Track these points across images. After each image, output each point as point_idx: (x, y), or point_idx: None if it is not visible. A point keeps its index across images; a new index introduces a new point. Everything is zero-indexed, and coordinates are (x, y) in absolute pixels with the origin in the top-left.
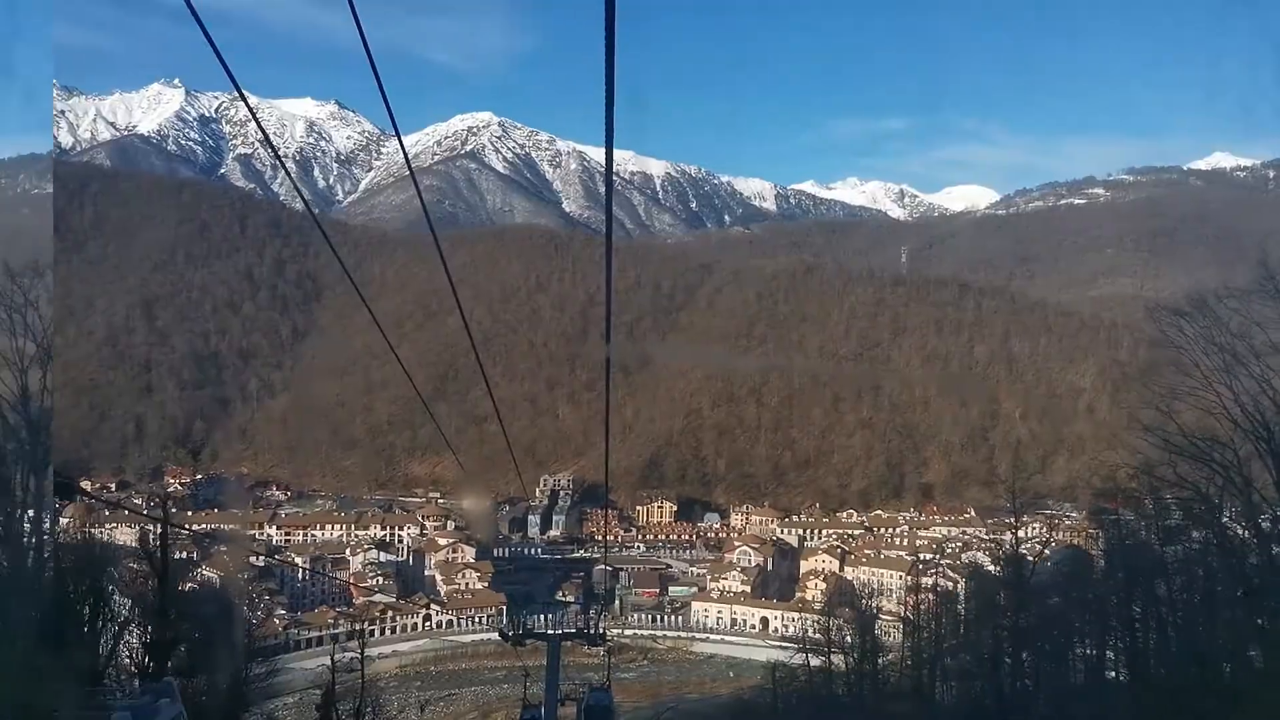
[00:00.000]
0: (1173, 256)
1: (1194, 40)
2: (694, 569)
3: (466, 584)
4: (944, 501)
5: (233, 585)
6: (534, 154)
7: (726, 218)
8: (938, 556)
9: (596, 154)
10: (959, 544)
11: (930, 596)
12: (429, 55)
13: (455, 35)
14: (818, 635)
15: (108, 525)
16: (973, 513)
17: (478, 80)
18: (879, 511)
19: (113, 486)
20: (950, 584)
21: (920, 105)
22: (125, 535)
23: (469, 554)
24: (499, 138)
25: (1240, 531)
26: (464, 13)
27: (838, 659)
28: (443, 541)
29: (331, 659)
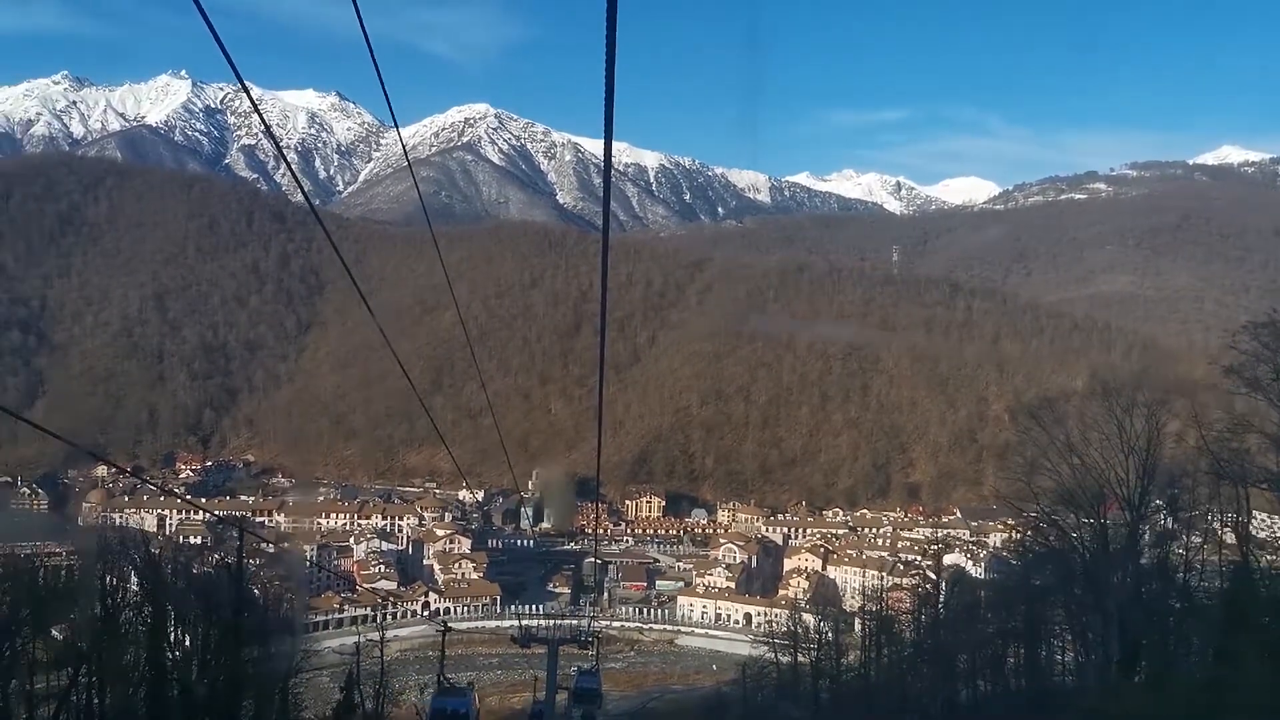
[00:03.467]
0: (1175, 254)
1: (1203, 30)
2: (680, 564)
3: (463, 574)
4: (930, 502)
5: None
6: (529, 145)
7: (720, 210)
8: (919, 558)
9: (591, 145)
10: (941, 545)
11: (906, 597)
12: (426, 46)
13: (452, 26)
14: (791, 633)
15: (126, 510)
16: (958, 514)
17: (474, 71)
18: (864, 511)
19: (127, 471)
20: (929, 586)
21: (919, 95)
22: (141, 520)
23: (465, 545)
24: (495, 129)
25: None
26: (461, 4)
27: (810, 656)
28: (440, 532)
29: (357, 646)
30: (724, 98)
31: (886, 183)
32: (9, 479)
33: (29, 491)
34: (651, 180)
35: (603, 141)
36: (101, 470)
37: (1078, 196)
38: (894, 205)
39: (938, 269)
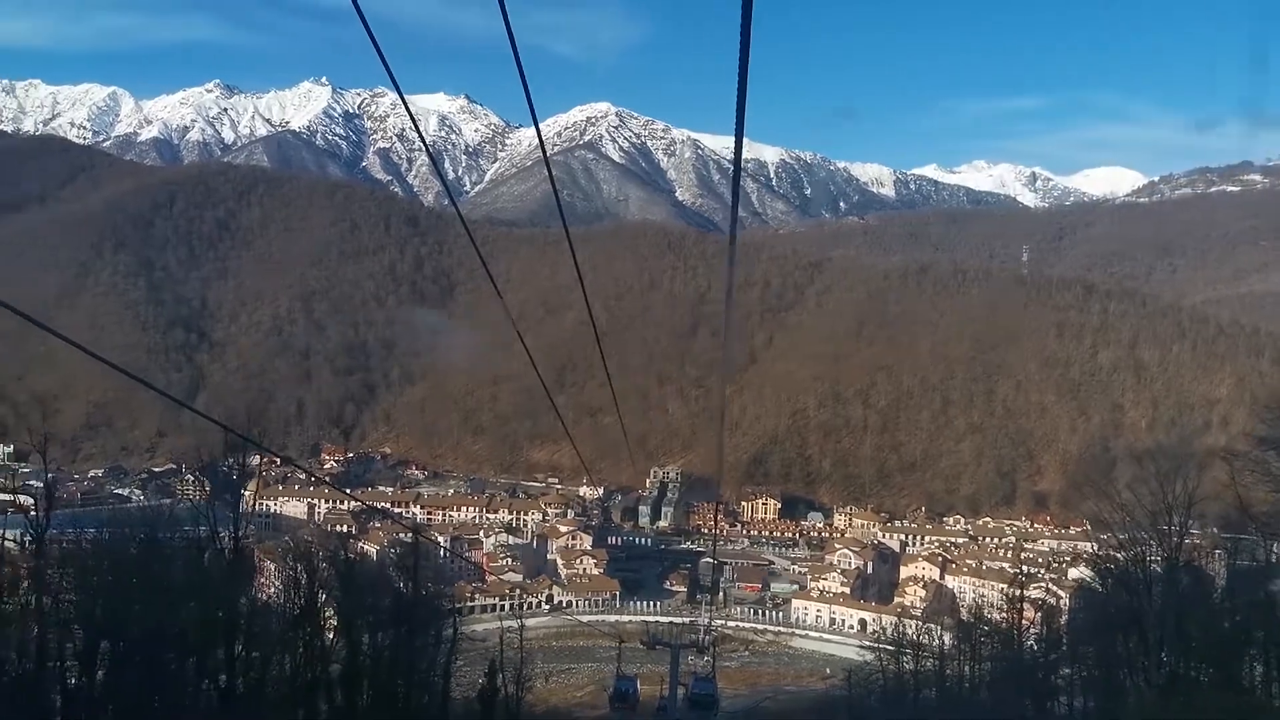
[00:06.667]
0: None
1: None
2: (796, 567)
3: (584, 569)
4: (1058, 512)
5: (385, 558)
6: (649, 143)
7: (842, 205)
8: (1041, 570)
9: (710, 142)
10: (1066, 559)
11: (1029, 611)
12: (550, 47)
13: (576, 26)
14: (896, 640)
15: (279, 499)
16: (1087, 526)
17: (596, 70)
18: (987, 519)
19: (277, 463)
20: (1053, 600)
21: (1058, 80)
22: (293, 509)
23: (586, 541)
24: (616, 127)
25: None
26: (585, 4)
27: (914, 664)
28: (563, 529)
29: (500, 637)
30: (848, 88)
31: (1021, 174)
32: (174, 466)
33: (192, 479)
34: (771, 175)
35: (731, 138)
36: (255, 460)
37: (1230, 189)
38: (1029, 198)
39: (1074, 267)
